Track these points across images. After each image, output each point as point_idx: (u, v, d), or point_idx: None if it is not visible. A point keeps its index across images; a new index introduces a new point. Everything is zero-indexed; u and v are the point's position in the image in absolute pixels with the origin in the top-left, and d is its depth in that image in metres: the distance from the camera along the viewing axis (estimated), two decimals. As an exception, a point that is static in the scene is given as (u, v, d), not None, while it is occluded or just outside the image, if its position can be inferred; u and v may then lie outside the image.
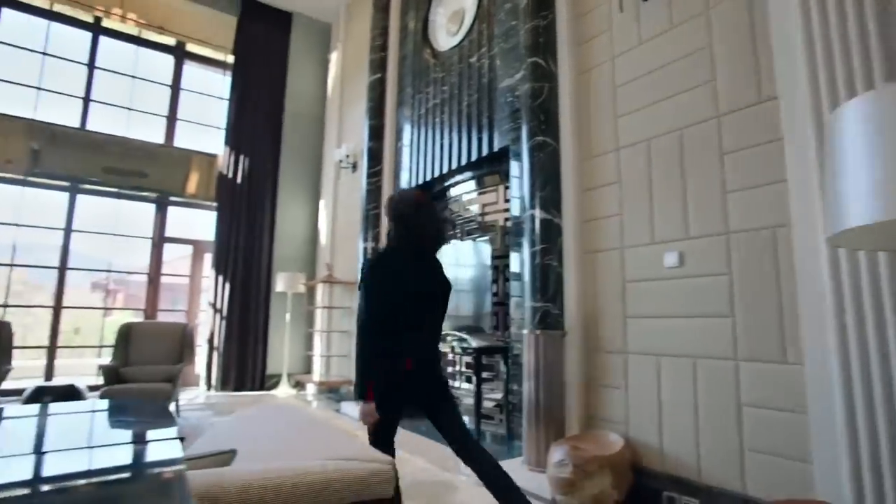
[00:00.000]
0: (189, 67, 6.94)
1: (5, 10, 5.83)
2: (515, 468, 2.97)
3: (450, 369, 4.56)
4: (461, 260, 4.20)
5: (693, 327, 2.38)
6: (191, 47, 6.90)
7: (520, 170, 3.41)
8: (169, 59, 6.82)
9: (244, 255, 6.30)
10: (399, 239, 2.08)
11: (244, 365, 6.10)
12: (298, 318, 6.42)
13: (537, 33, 3.25)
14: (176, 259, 7.19)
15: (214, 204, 6.49)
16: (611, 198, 2.89)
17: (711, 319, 2.31)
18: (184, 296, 6.86)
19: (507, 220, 4.00)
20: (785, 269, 2.06)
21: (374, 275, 1.99)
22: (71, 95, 6.15)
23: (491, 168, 4.14)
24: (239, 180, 6.41)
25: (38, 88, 5.96)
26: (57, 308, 5.87)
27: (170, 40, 6.80)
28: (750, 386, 2.14)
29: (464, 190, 4.54)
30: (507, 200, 4.00)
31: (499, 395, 3.88)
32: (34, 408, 2.75)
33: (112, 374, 4.23)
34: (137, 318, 6.29)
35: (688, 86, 2.51)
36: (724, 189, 2.30)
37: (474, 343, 3.62)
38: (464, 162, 4.20)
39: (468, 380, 4.21)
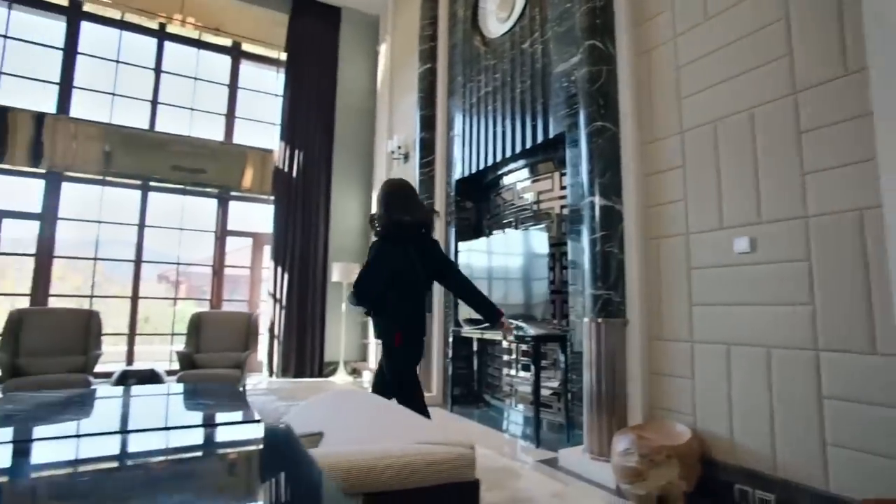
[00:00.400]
0: (245, 66, 7.20)
1: (84, 24, 6.24)
2: (577, 456, 2.97)
3: (504, 357, 4.58)
4: (515, 249, 4.18)
5: (766, 315, 2.29)
6: (246, 47, 7.15)
7: (577, 156, 3.36)
8: (226, 60, 7.09)
9: (301, 246, 6.52)
10: (392, 223, 2.57)
11: (303, 352, 6.35)
12: (352, 307, 6.59)
13: (594, 15, 3.17)
14: (234, 251, 7.53)
15: (271, 197, 6.74)
16: (675, 182, 2.80)
17: (787, 308, 2.20)
18: (244, 286, 7.19)
19: (563, 207, 3.95)
20: (874, 254, 1.93)
21: (384, 256, 2.57)
22: (141, 99, 6.52)
23: (545, 155, 4.09)
24: (294, 174, 6.62)
25: (113, 94, 6.35)
26: (134, 298, 6.30)
27: (226, 41, 7.07)
28: (833, 378, 2.03)
29: (517, 178, 4.51)
30: (562, 188, 3.95)
31: (555, 384, 3.86)
32: (138, 389, 2.96)
33: (186, 360, 4.51)
34: (201, 307, 6.64)
35: (759, 62, 2.38)
36: (801, 170, 2.18)
37: (532, 331, 3.61)
38: (517, 150, 4.16)
39: (524, 368, 4.21)
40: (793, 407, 2.16)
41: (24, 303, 5.78)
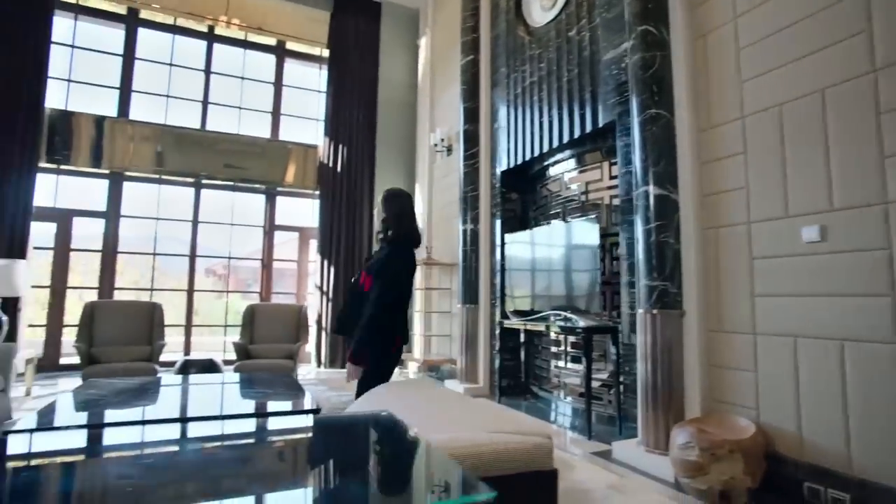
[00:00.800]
0: (289, 64, 7.36)
1: (141, 30, 6.52)
2: (631, 449, 2.94)
3: (552, 349, 4.55)
4: (560, 240, 4.14)
5: (839, 307, 2.19)
6: (290, 45, 7.30)
7: (629, 145, 3.29)
8: (271, 59, 7.27)
9: (346, 239, 6.66)
10: (410, 230, 2.52)
11: (349, 343, 6.48)
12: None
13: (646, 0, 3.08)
14: (279, 244, 7.74)
15: (317, 192, 6.90)
16: (735, 169, 2.70)
17: (864, 299, 2.10)
18: (290, 279, 7.41)
19: (612, 197, 3.88)
20: (962, 242, 1.82)
21: (410, 263, 2.47)
22: (192, 100, 6.77)
23: (594, 145, 4.02)
24: (339, 168, 6.75)
25: (167, 96, 6.62)
26: (189, 291, 6.59)
27: (271, 40, 7.24)
28: (913, 371, 1.94)
29: (564, 169, 4.46)
30: (612, 177, 3.88)
31: (604, 376, 3.82)
32: (204, 377, 3.12)
33: (242, 351, 4.69)
34: (246, 300, 6.88)
35: (832, 39, 2.26)
36: (881, 153, 2.07)
37: (582, 323, 3.58)
38: (565, 140, 4.11)
39: (574, 360, 4.18)
40: (870, 403, 2.07)
41: (93, 295, 6.15)
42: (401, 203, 2.56)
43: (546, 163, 4.63)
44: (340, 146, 6.80)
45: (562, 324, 3.84)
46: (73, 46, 6.20)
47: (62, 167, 6.02)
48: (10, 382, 3.72)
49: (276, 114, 7.13)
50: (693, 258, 2.87)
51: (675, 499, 2.43)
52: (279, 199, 7.06)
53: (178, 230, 6.74)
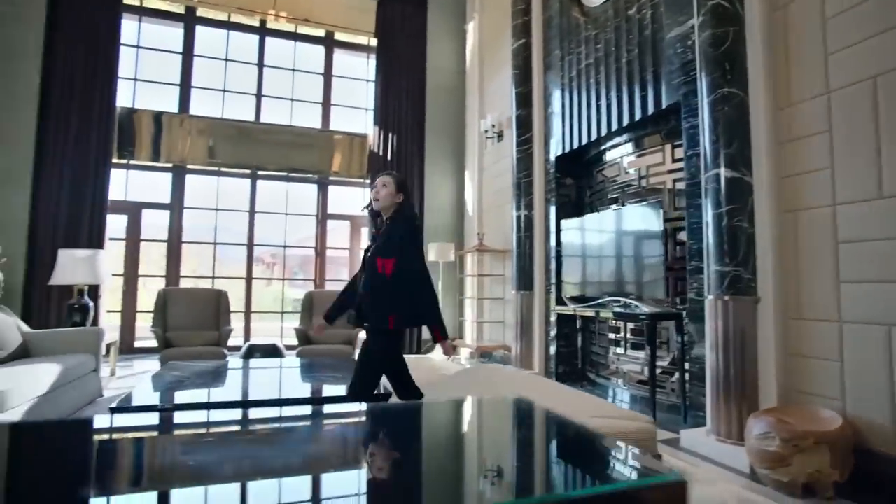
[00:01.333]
0: (338, 55, 7.45)
1: (198, 28, 6.76)
2: (701, 438, 2.88)
3: (610, 335, 4.50)
4: (619, 226, 4.06)
5: (939, 293, 2.06)
6: (338, 36, 7.39)
7: (696, 126, 3.17)
8: (320, 50, 7.38)
9: (397, 228, 6.74)
10: (412, 209, 2.67)
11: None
12: (449, 285, 6.76)
13: (717, -28, 2.94)
14: (329, 232, 7.92)
15: (367, 181, 7.01)
16: (817, 149, 2.56)
17: (969, 284, 1.97)
18: (340, 266, 7.59)
19: (675, 181, 3.77)
20: None
21: (420, 237, 2.62)
22: (246, 93, 6.98)
23: (655, 127, 3.91)
24: (388, 156, 6.82)
25: (224, 90, 6.85)
26: (248, 279, 6.85)
27: (319, 31, 7.35)
28: None
29: (622, 153, 4.35)
30: (675, 160, 3.76)
31: (663, 363, 3.75)
32: (274, 361, 3.26)
33: (303, 336, 4.86)
34: (295, 288, 7.10)
35: (934, 7, 2.10)
36: None
37: (646, 309, 3.51)
38: (624, 123, 4.00)
39: (633, 347, 4.12)
40: (973, 394, 1.95)
41: (160, 283, 6.50)
42: (407, 187, 2.74)
43: (603, 147, 4.53)
44: (390, 134, 6.86)
45: (621, 310, 3.77)
46: (137, 47, 6.50)
47: (130, 162, 6.35)
48: (100, 363, 4.00)
49: (326, 104, 7.26)
50: (769, 242, 2.75)
51: (751, 489, 2.38)
52: (330, 188, 7.21)
53: (234, 220, 7.01)
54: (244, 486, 0.74)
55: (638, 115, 3.85)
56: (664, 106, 3.57)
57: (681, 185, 3.65)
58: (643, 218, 3.75)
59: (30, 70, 5.61)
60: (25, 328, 3.89)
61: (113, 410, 2.32)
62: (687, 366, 3.38)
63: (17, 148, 5.51)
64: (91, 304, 4.52)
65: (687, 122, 3.32)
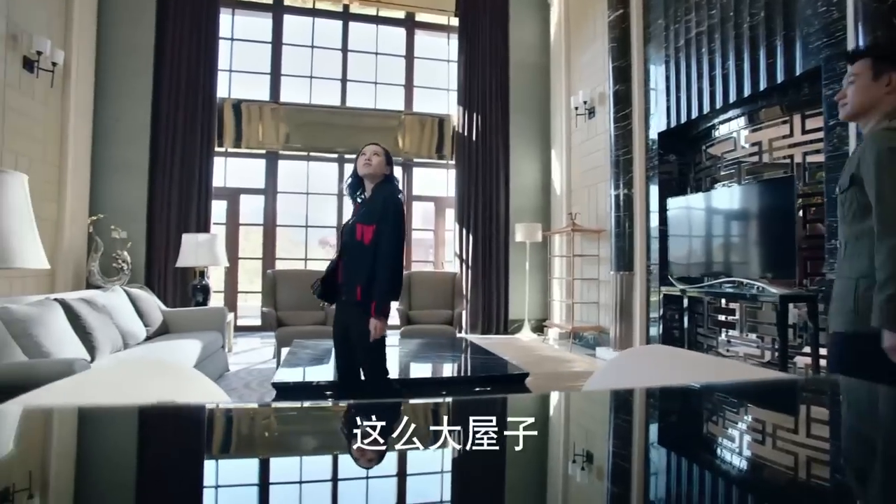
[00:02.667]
0: (419, 36, 7.45)
1: (286, 17, 6.95)
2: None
3: (720, 317, 4.34)
4: (736, 203, 3.87)
5: None
6: (419, 17, 7.38)
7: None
8: (401, 32, 7.41)
9: (483, 207, 6.76)
10: (398, 183, 2.41)
11: (489, 310, 6.67)
12: (536, 266, 6.73)
13: (877, -81, 2.67)
14: (414, 213, 8.04)
15: (451, 162, 7.04)
16: None
17: None
18: (423, 248, 7.71)
19: (807, 154, 3.53)
20: None
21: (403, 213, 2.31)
22: (332, 79, 7.14)
23: (781, 98, 3.66)
24: (473, 137, 6.81)
25: (311, 77, 7.05)
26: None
27: (400, 13, 7.36)
28: None
29: (737, 127, 4.12)
30: (806, 132, 3.51)
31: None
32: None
33: (404, 317, 5.01)
34: None
35: None
36: None
37: (775, 290, 3.35)
38: (746, 93, 3.77)
39: (750, 329, 3.96)
40: None
41: (256, 265, 6.89)
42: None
43: (713, 122, 4.31)
44: (474, 114, 6.83)
45: (733, 290, 3.62)
46: (232, 39, 6.77)
47: (229, 150, 6.69)
48: (226, 340, 4.30)
49: (408, 86, 7.31)
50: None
51: None
52: (415, 169, 7.31)
53: (320, 204, 7.27)
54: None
55: (763, 85, 3.61)
56: (799, 72, 3.33)
57: (816, 158, 3.43)
58: (769, 194, 3.55)
59: (144, 67, 5.99)
60: (163, 307, 4.24)
61: (276, 387, 2.48)
62: (823, 351, 3.21)
63: (136, 141, 5.94)
64: (211, 285, 4.86)
65: (830, 88, 3.08)
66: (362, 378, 2.31)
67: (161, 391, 1.45)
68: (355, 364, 2.31)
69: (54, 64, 4.93)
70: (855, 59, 1.62)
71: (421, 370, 3.13)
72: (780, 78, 3.47)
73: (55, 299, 2.86)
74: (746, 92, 3.75)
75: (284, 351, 4.58)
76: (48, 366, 1.92)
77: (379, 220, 2.21)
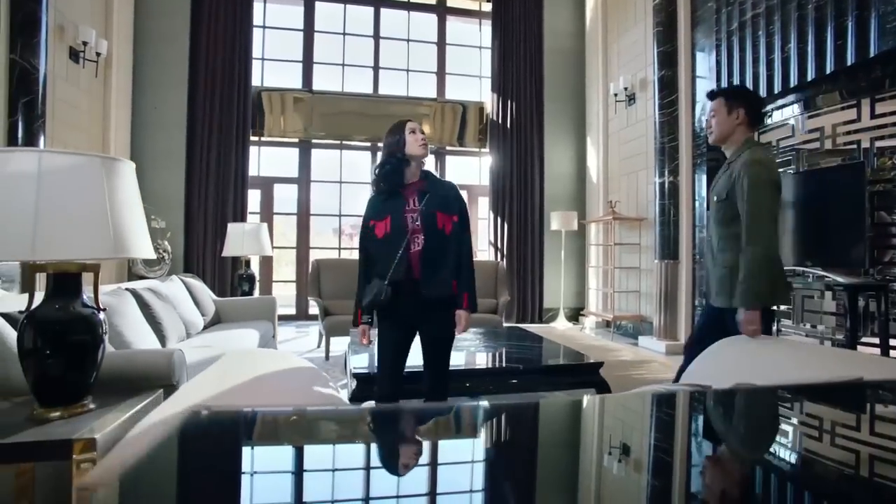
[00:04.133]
0: (450, 22, 7.35)
1: (317, 4, 6.88)
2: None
3: (782, 308, 4.28)
4: (795, 190, 3.80)
5: None
6: (450, 2, 7.27)
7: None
8: (433, 18, 7.31)
9: (518, 196, 6.71)
10: None
11: (524, 298, 6.65)
12: (571, 254, 6.68)
13: None
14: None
15: (485, 150, 6.98)
16: None
17: None
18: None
19: (875, 139, 3.45)
20: None
21: None
22: (364, 66, 7.08)
23: (850, 82, 3.56)
24: (508, 125, 6.73)
25: (343, 65, 7.00)
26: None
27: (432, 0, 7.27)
28: None
29: (795, 112, 4.03)
30: (876, 116, 3.42)
31: (839, 336, 3.52)
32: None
33: (447, 305, 4.99)
34: None
35: None
36: None
37: (841, 279, 3.29)
38: (809, 77, 3.67)
39: (803, 319, 3.90)
40: None
41: (291, 255, 6.92)
42: None
43: (769, 107, 4.21)
44: (508, 101, 6.75)
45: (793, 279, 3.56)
46: (264, 27, 6.73)
47: (262, 139, 6.68)
48: (276, 330, 4.32)
49: (440, 74, 7.24)
50: None
51: None
52: (448, 157, 7.26)
53: (354, 193, 7.25)
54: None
55: (830, 68, 3.52)
56: (873, 54, 3.23)
57: (885, 144, 3.35)
58: (836, 181, 3.48)
59: (180, 57, 5.97)
60: (214, 296, 4.26)
61: (355, 376, 2.48)
62: (894, 342, 3.16)
63: (173, 130, 5.95)
64: (256, 274, 4.88)
65: (906, 72, 3.00)
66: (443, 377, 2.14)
67: (293, 380, 1.45)
68: (436, 364, 2.12)
69: (98, 54, 4.93)
70: (714, 98, 2.11)
71: (495, 360, 3.12)
72: (850, 60, 3.38)
73: (126, 289, 2.88)
74: (811, 76, 3.66)
75: (334, 341, 4.62)
76: (148, 356, 1.93)
77: (458, 211, 2.10)
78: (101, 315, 1.60)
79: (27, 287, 4.06)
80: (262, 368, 1.41)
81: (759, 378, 1.40)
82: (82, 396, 1.56)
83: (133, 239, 1.63)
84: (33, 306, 1.50)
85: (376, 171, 2.12)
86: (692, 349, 2.08)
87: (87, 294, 1.63)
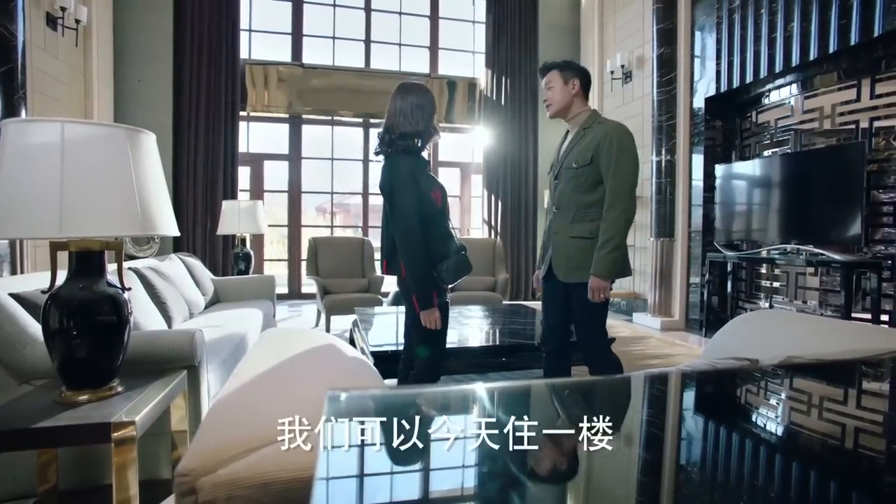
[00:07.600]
0: (444, -6, 7.18)
1: (308, -31, 6.63)
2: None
3: (765, 283, 4.40)
4: (792, 170, 3.87)
5: None
6: (444, -26, 7.09)
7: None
8: (425, -10, 7.13)
9: (511, 173, 6.68)
10: None
11: (518, 276, 6.69)
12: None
13: None
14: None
15: (476, 126, 6.91)
16: None
17: None
18: (454, 215, 7.64)
19: (874, 119, 3.51)
20: None
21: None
22: (356, 39, 6.89)
23: (853, 61, 3.60)
24: (502, 101, 6.67)
25: (333, 38, 6.80)
26: (364, 227, 7.04)
27: (424, -30, 7.07)
28: None
29: (793, 92, 4.07)
30: (876, 96, 3.48)
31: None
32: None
33: (446, 283, 4.99)
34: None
35: None
36: None
37: (838, 256, 3.38)
38: (812, 56, 3.70)
39: (796, 296, 4.01)
40: None
41: (282, 232, 6.81)
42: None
43: (766, 87, 4.25)
44: (502, 77, 6.67)
45: (784, 257, 3.65)
46: (251, -5, 6.47)
47: (251, 114, 6.49)
48: (275, 309, 4.27)
49: (433, 48, 7.09)
50: None
51: None
52: (441, 134, 7.16)
53: (345, 169, 7.13)
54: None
55: (833, 47, 3.54)
56: (878, 33, 3.26)
57: (883, 124, 3.41)
58: (836, 161, 3.55)
59: (164, 26, 5.72)
60: (212, 276, 4.18)
61: (375, 355, 2.48)
62: (886, 318, 3.28)
63: (159, 104, 5.74)
64: (252, 253, 4.79)
65: (908, 52, 3.04)
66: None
67: (338, 360, 1.43)
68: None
69: (77, 21, 4.68)
70: (547, 71, 2.08)
71: (511, 337, 3.15)
72: (854, 39, 3.40)
73: (129, 268, 2.80)
74: (813, 55, 3.68)
75: (334, 319, 4.60)
76: (171, 337, 1.88)
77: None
78: (126, 295, 1.55)
79: (18, 266, 3.92)
80: (308, 346, 1.40)
81: (793, 352, 1.44)
82: (110, 378, 1.52)
83: (160, 215, 1.57)
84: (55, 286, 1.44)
85: (423, 133, 1.97)
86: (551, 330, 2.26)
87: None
